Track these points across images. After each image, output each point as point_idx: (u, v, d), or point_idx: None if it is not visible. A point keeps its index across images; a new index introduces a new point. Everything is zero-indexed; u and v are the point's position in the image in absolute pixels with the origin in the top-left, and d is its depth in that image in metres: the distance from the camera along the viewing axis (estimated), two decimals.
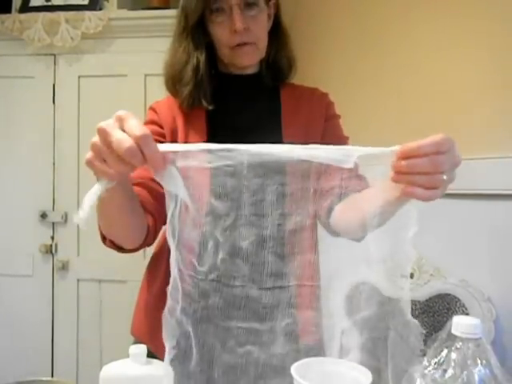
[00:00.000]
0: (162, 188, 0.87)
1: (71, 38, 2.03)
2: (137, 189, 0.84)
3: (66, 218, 2.08)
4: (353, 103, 1.58)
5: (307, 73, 1.13)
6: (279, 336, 0.80)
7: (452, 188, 0.62)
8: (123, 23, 2.05)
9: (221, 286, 0.84)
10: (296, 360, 0.63)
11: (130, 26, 2.05)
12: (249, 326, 0.81)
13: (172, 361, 0.62)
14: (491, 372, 0.54)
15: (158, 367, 0.65)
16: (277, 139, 0.90)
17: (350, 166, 0.60)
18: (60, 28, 2.02)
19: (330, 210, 0.88)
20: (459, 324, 0.56)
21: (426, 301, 1.24)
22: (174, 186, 0.62)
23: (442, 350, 0.57)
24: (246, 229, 0.83)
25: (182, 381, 0.73)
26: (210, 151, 0.60)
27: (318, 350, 0.79)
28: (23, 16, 2.05)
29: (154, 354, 0.71)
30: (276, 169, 0.83)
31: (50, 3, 2.09)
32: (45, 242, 2.10)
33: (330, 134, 0.98)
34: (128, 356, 0.65)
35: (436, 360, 0.56)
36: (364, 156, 0.60)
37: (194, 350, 0.72)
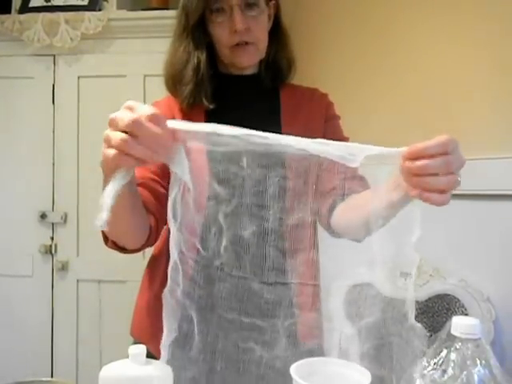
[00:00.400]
0: (163, 188, 0.88)
1: (71, 39, 2.03)
2: (138, 189, 0.84)
3: (65, 219, 2.07)
4: (352, 103, 1.58)
5: (306, 73, 1.13)
6: (282, 337, 0.80)
7: None
8: (123, 24, 2.05)
9: (224, 274, 0.84)
10: None
11: (130, 27, 2.04)
12: (251, 322, 0.81)
13: (171, 344, 0.61)
14: (490, 372, 0.54)
15: (158, 367, 0.65)
16: None
17: (356, 165, 0.60)
18: (60, 28, 2.02)
19: (331, 209, 0.89)
20: (458, 324, 0.56)
21: (426, 301, 1.24)
22: (181, 167, 0.64)
23: (441, 351, 0.57)
24: (248, 218, 0.83)
25: (183, 365, 0.73)
26: (218, 135, 0.60)
27: (318, 354, 0.79)
28: (23, 16, 2.05)
29: (154, 354, 0.71)
30: (277, 161, 0.83)
31: (49, 4, 2.09)
32: (44, 243, 2.09)
33: (330, 134, 0.98)
34: (128, 356, 0.65)
35: (435, 360, 0.56)
36: (371, 156, 0.60)
37: (197, 338, 0.72)
